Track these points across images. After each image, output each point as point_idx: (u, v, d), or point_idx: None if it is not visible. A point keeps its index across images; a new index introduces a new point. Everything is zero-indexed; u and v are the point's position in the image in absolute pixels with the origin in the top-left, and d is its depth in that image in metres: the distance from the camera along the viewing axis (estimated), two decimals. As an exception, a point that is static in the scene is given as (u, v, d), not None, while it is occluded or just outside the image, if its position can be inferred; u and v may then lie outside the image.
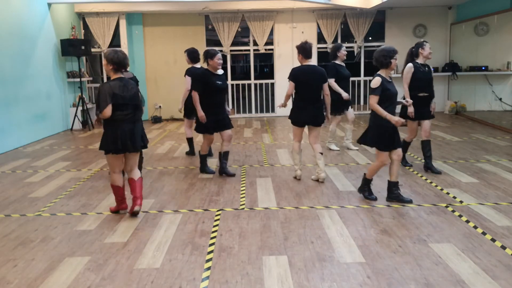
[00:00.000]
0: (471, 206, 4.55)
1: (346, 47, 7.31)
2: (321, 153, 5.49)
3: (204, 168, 6.11)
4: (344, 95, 6.90)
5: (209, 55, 5.59)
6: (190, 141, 7.31)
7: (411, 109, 5.60)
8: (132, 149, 4.37)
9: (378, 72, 4.56)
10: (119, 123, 4.26)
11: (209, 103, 5.64)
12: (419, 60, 5.70)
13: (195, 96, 5.60)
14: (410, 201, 4.69)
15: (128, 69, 4.77)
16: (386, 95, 4.48)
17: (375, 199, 4.80)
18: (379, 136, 4.55)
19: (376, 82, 4.47)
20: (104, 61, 4.32)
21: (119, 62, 4.25)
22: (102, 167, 6.61)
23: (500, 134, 8.55)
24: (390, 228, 4.02)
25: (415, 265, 3.29)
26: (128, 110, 4.30)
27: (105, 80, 11.95)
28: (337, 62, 7.07)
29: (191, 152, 7.35)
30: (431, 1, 11.24)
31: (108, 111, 4.16)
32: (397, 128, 4.55)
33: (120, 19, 11.47)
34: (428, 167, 5.88)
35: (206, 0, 10.69)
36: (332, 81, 6.79)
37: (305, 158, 6.68)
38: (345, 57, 7.14)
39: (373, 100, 4.48)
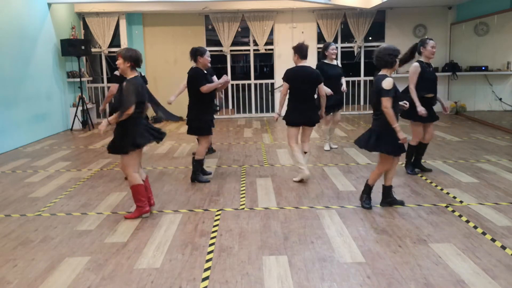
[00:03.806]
0: (471, 206, 4.55)
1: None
2: (305, 152, 5.60)
3: (198, 176, 5.69)
4: (327, 90, 6.15)
5: (198, 53, 5.42)
6: None
7: (421, 109, 5.25)
8: (152, 141, 4.40)
9: (382, 73, 4.25)
10: (138, 120, 4.25)
11: (210, 101, 5.57)
12: (423, 59, 5.46)
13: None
14: (402, 203, 4.61)
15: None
16: (396, 97, 4.22)
17: (371, 207, 4.54)
18: (394, 141, 4.22)
19: (389, 83, 4.13)
20: (120, 60, 4.23)
21: (137, 59, 4.24)
22: (102, 167, 6.62)
23: (500, 134, 8.55)
24: (390, 228, 4.02)
25: (415, 265, 3.29)
26: (142, 107, 4.31)
27: (105, 80, 11.97)
28: (326, 61, 6.92)
29: (210, 150, 7.42)
30: (431, 1, 11.24)
31: (132, 108, 4.11)
32: None
33: (120, 19, 11.47)
34: (418, 167, 5.83)
35: (206, 0, 10.69)
36: None
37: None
38: (334, 56, 6.91)
39: (389, 103, 4.12)
